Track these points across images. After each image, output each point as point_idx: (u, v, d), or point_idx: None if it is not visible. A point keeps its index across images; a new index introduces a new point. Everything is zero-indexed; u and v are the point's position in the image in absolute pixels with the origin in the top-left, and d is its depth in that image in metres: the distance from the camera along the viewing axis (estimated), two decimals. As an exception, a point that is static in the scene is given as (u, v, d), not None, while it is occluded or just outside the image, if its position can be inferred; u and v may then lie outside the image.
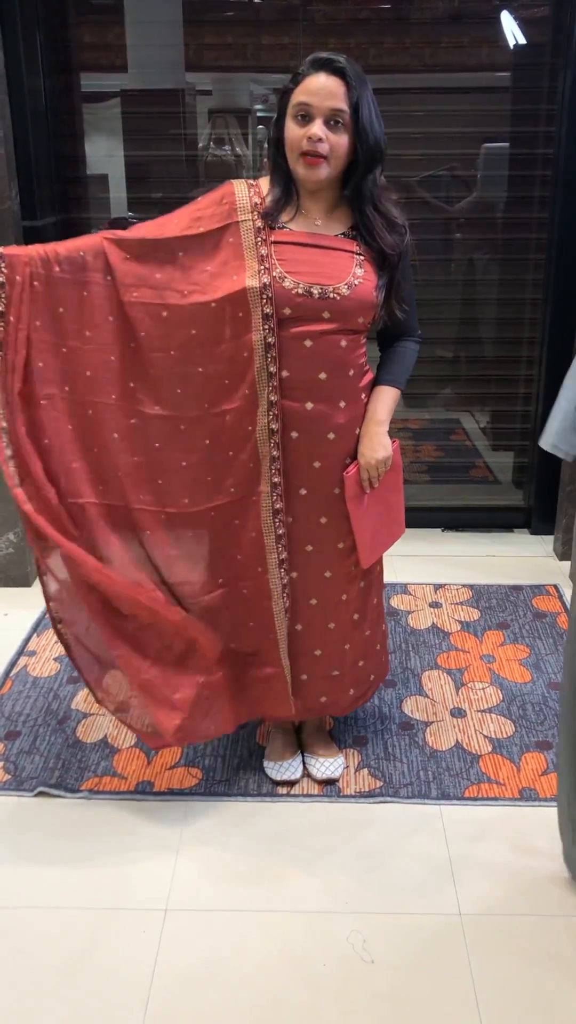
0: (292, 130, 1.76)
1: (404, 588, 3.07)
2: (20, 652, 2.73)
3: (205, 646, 2.01)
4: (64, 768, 2.24)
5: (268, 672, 2.08)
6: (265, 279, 1.77)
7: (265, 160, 1.91)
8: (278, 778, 2.19)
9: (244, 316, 1.79)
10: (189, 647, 2.02)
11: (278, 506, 1.91)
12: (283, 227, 1.83)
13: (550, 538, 3.47)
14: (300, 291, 1.78)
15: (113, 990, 1.70)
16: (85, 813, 2.12)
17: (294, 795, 2.17)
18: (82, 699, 2.50)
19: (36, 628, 2.86)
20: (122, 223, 3.62)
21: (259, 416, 1.84)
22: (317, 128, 1.73)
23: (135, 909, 1.87)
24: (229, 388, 1.86)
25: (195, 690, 2.02)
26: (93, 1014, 1.66)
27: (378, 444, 1.92)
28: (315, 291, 1.79)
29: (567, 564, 3.27)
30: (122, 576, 1.95)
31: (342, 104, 1.73)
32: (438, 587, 3.09)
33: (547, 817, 2.03)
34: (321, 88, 1.72)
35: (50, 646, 2.76)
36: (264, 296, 1.78)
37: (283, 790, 2.18)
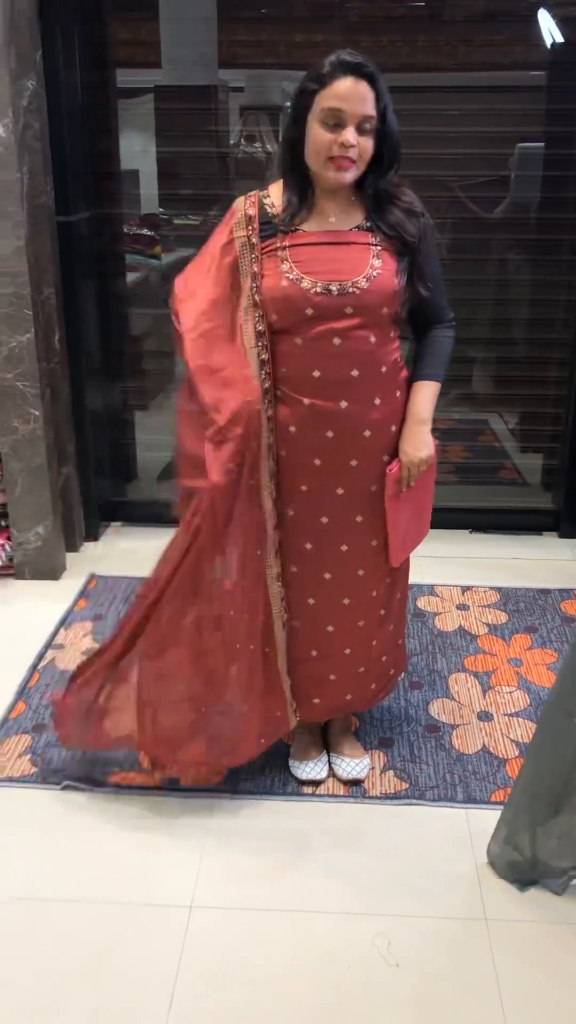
0: (320, 135, 1.73)
1: (431, 590, 3.06)
2: (48, 645, 2.75)
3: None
4: (91, 762, 2.25)
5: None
6: (257, 297, 1.81)
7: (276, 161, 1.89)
8: (304, 777, 2.19)
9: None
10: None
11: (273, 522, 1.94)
12: (297, 230, 1.82)
13: (579, 542, 3.44)
14: (319, 290, 1.78)
15: (138, 985, 1.71)
16: (111, 808, 2.13)
17: (320, 795, 2.17)
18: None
19: (64, 621, 2.87)
20: (152, 219, 3.63)
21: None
22: (350, 135, 1.72)
23: (160, 905, 1.88)
24: None
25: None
26: (118, 1009, 1.67)
27: (421, 443, 1.91)
28: (334, 288, 1.78)
29: (596, 568, 3.25)
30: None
31: (372, 110, 1.72)
32: (465, 589, 3.07)
33: (575, 824, 2.01)
34: (353, 94, 1.70)
35: (78, 639, 2.77)
36: (256, 314, 1.81)
37: (308, 790, 2.18)
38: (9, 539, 3.11)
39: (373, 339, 1.83)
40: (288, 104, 3.51)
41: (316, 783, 2.19)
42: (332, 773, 2.21)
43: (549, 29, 3.16)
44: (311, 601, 2.02)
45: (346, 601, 2.02)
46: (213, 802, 2.14)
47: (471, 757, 2.28)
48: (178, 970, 1.74)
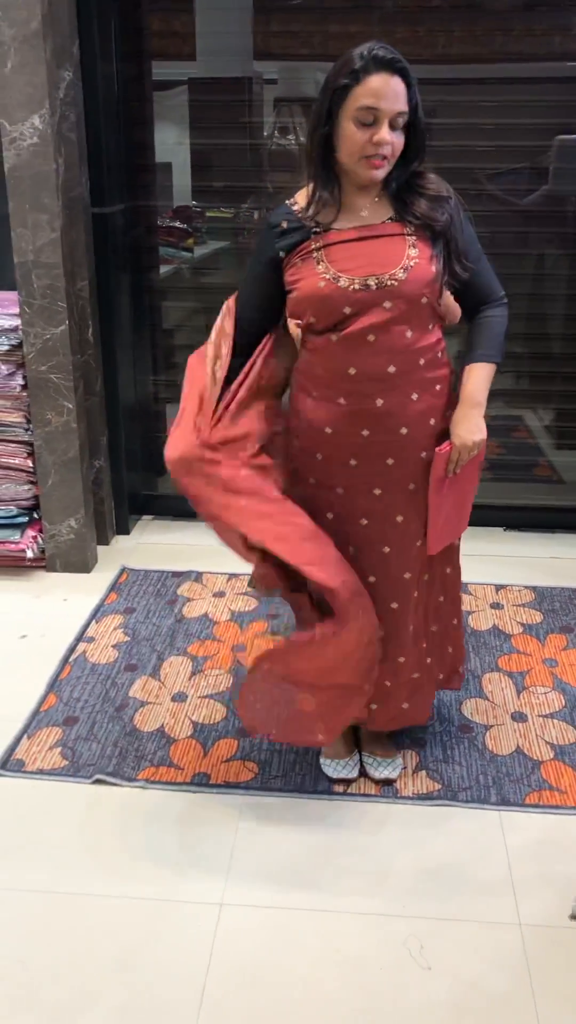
0: (354, 133, 1.69)
1: (465, 588, 3.00)
2: (79, 638, 2.75)
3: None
4: (121, 756, 2.25)
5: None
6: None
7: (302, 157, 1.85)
8: (335, 776, 2.17)
9: None
10: None
11: None
12: (329, 229, 1.79)
13: (615, 541, 3.38)
14: (357, 286, 1.76)
15: (168, 983, 1.70)
16: (141, 802, 2.12)
17: (351, 794, 2.14)
18: (140, 687, 2.51)
19: (95, 614, 2.87)
20: (186, 212, 3.61)
21: None
22: (386, 133, 1.69)
23: (190, 902, 1.87)
24: None
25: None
26: (148, 1006, 1.66)
27: (475, 427, 1.87)
28: (372, 283, 1.76)
29: (632, 568, 3.19)
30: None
31: (405, 106, 1.69)
32: (499, 588, 3.03)
33: (612, 828, 1.98)
34: (388, 91, 1.66)
35: (108, 632, 2.77)
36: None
37: (339, 788, 2.16)
38: (41, 531, 3.12)
39: (410, 334, 1.80)
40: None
41: (347, 782, 2.17)
42: (364, 772, 2.19)
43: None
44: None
45: (394, 605, 1.99)
46: (242, 798, 2.13)
47: (505, 759, 2.24)
48: (208, 968, 1.73)
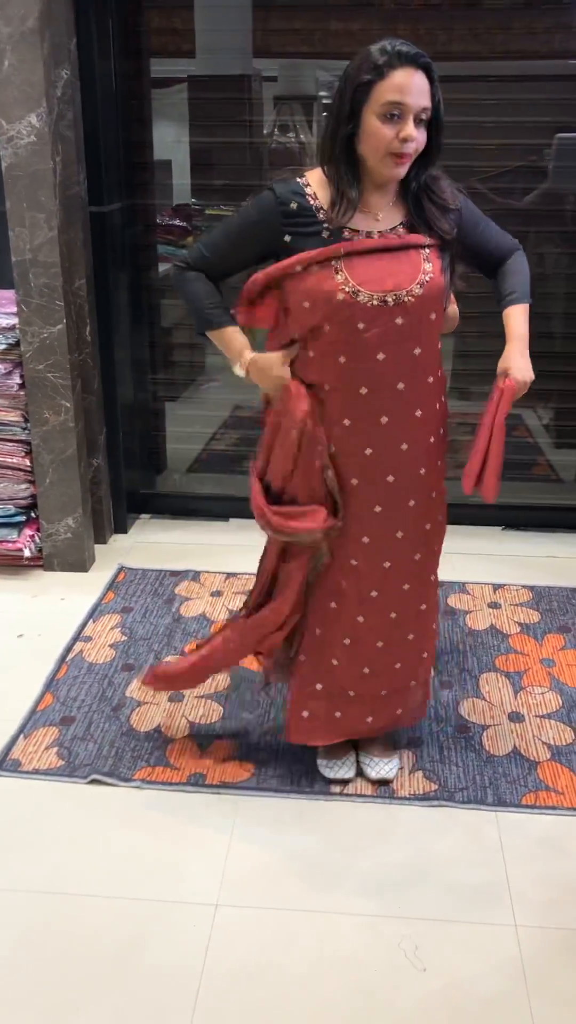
0: (379, 129, 1.67)
1: (462, 587, 3.02)
2: (76, 637, 2.75)
3: None
4: (117, 756, 2.24)
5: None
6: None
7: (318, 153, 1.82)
8: (332, 776, 2.17)
9: None
10: None
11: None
12: (343, 228, 1.76)
13: (613, 540, 3.38)
14: (375, 302, 1.74)
15: (163, 983, 1.70)
16: (137, 802, 2.12)
17: (347, 794, 2.14)
18: (136, 687, 2.50)
19: (92, 613, 2.87)
20: (185, 210, 3.61)
21: None
22: (411, 129, 1.67)
23: (186, 903, 1.86)
24: None
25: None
26: (143, 1006, 1.66)
27: (528, 364, 1.87)
28: (390, 299, 1.75)
29: (630, 568, 3.19)
30: None
31: (429, 101, 1.68)
32: (497, 587, 3.03)
33: (608, 830, 1.98)
34: (413, 86, 1.65)
35: (105, 632, 2.77)
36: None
37: (336, 788, 2.16)
38: (39, 530, 3.12)
39: (418, 351, 1.81)
40: (323, 94, 3.49)
41: (344, 782, 2.16)
42: (360, 772, 2.19)
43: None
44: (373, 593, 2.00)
45: (393, 615, 2.02)
46: (238, 798, 2.13)
47: (501, 759, 2.24)
48: (203, 968, 1.72)
